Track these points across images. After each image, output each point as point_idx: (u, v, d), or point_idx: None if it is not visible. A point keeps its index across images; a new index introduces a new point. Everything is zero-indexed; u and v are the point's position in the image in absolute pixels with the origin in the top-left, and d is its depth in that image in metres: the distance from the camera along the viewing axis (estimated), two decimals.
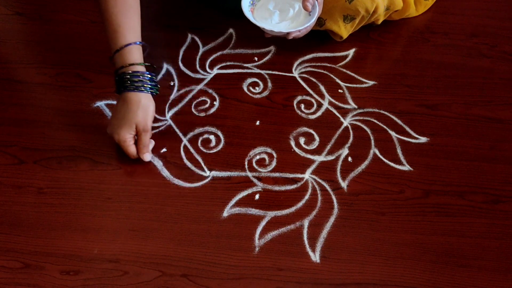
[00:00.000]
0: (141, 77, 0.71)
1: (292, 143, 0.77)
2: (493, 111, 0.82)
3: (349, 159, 0.76)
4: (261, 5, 0.83)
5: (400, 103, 0.83)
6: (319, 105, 0.82)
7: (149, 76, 0.72)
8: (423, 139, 0.78)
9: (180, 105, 0.82)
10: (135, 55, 0.72)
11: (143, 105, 0.71)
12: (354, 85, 0.85)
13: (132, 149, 0.72)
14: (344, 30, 0.88)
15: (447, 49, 0.92)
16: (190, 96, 0.83)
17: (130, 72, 0.71)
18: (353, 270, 0.65)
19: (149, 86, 0.72)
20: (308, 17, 0.81)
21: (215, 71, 0.86)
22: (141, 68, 0.72)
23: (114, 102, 0.81)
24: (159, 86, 0.75)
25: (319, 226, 0.69)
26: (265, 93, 0.84)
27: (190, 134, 0.78)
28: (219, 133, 0.78)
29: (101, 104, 0.81)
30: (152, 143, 0.75)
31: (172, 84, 0.84)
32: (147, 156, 0.73)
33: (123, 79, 0.71)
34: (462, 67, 0.89)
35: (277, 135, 0.78)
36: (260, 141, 0.77)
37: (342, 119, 0.81)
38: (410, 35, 0.94)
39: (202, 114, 0.81)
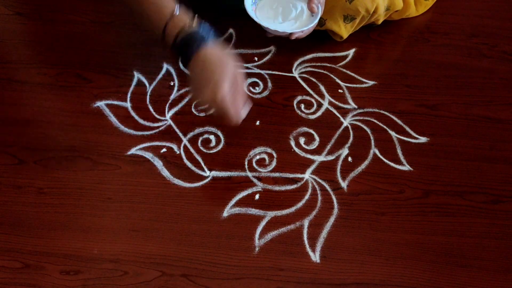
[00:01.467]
0: (202, 29, 0.67)
1: (292, 143, 0.78)
2: (493, 111, 0.82)
3: (349, 159, 0.76)
4: (263, 5, 0.83)
5: (400, 103, 0.83)
6: (319, 105, 0.82)
7: (207, 25, 0.68)
8: (423, 139, 0.78)
9: (180, 105, 0.82)
10: (185, 16, 0.67)
11: (224, 52, 0.66)
12: (354, 85, 0.85)
13: (235, 108, 0.66)
14: (344, 30, 0.88)
15: (447, 49, 0.92)
16: (190, 96, 0.83)
17: (192, 31, 0.66)
18: (353, 270, 0.65)
19: (215, 34, 0.67)
20: (310, 17, 0.81)
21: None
22: (196, 22, 0.67)
23: (114, 102, 0.81)
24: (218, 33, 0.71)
25: (319, 226, 0.69)
26: (265, 93, 0.84)
27: (190, 134, 0.78)
28: (219, 133, 0.78)
29: (101, 104, 0.81)
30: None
31: (172, 84, 0.84)
32: (245, 111, 0.68)
33: (189, 41, 0.65)
34: (462, 67, 0.89)
35: (277, 135, 0.78)
36: (260, 141, 0.78)
37: (342, 119, 0.81)
38: (410, 35, 0.94)
39: (202, 114, 0.81)
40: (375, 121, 0.80)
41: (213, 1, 0.95)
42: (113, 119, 0.79)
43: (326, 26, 0.87)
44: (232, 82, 0.65)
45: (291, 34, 0.79)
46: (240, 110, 0.67)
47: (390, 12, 0.90)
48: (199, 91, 0.66)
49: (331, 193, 0.72)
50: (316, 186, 0.73)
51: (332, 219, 0.69)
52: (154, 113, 0.80)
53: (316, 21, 0.80)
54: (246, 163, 0.75)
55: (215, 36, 0.67)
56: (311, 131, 0.79)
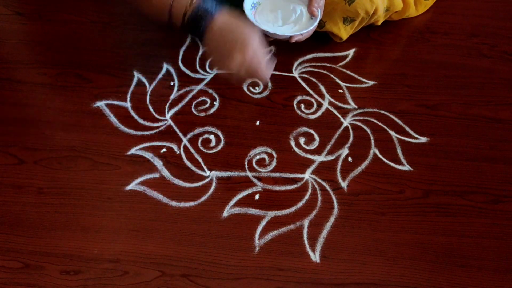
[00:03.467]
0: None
1: (292, 143, 0.78)
2: (493, 111, 0.82)
3: (349, 159, 0.76)
4: (263, 8, 0.83)
5: (400, 103, 0.83)
6: (319, 105, 0.82)
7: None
8: (423, 139, 0.78)
9: (180, 105, 0.82)
10: None
11: (237, 17, 0.66)
12: (354, 85, 0.85)
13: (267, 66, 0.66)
14: (344, 32, 0.88)
15: (447, 49, 0.92)
16: (190, 96, 0.83)
17: (199, 3, 0.66)
18: (353, 270, 0.65)
19: (218, 3, 0.67)
20: (310, 20, 0.81)
21: (215, 71, 0.86)
22: None
23: (114, 102, 0.81)
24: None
25: (319, 226, 0.69)
26: (265, 93, 0.84)
27: (190, 134, 0.78)
28: (219, 133, 0.78)
29: (101, 104, 0.81)
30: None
31: (172, 84, 0.84)
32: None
33: (201, 13, 0.65)
34: (462, 67, 0.89)
35: (277, 135, 0.78)
36: (260, 141, 0.78)
37: (342, 119, 0.81)
38: (410, 35, 0.94)
39: (202, 114, 0.81)
40: (375, 121, 0.80)
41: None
42: (113, 119, 0.79)
43: (326, 28, 0.87)
44: (253, 42, 0.65)
45: (290, 37, 0.79)
46: (266, 67, 0.67)
47: (389, 13, 0.90)
48: (225, 60, 0.66)
49: (331, 193, 0.72)
50: (316, 186, 0.73)
51: (332, 219, 0.69)
52: (154, 113, 0.80)
53: (316, 24, 0.80)
54: (246, 163, 0.75)
55: (219, 4, 0.67)
56: (311, 131, 0.79)
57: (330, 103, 0.83)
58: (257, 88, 0.85)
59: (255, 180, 0.73)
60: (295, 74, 0.87)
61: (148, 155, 0.75)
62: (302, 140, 0.78)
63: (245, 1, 0.81)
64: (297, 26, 0.81)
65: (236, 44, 0.64)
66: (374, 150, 0.77)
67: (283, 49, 0.89)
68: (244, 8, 0.80)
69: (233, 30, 0.65)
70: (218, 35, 0.66)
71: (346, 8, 0.84)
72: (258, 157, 0.76)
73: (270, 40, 0.82)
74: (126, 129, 0.78)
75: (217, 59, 0.68)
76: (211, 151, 0.76)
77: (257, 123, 0.80)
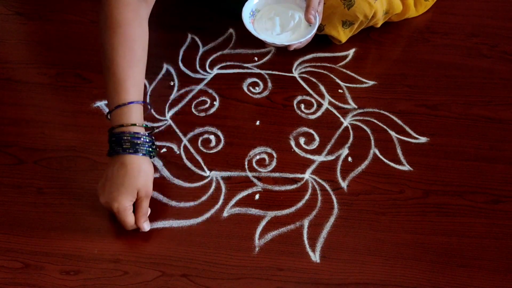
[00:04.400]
0: (142, 139, 0.65)
1: (292, 143, 0.78)
2: (493, 111, 0.82)
3: (349, 159, 0.76)
4: (261, 16, 0.83)
5: (400, 103, 0.83)
6: (319, 105, 0.82)
7: (149, 138, 0.66)
8: (423, 139, 0.78)
9: (180, 105, 0.82)
10: (137, 115, 0.66)
11: (145, 169, 0.65)
12: (354, 85, 0.85)
13: (131, 218, 0.65)
14: (343, 35, 0.88)
15: (447, 49, 0.92)
16: (190, 96, 0.83)
17: (131, 132, 0.64)
18: (353, 270, 0.65)
19: (150, 149, 0.66)
20: (308, 27, 0.81)
21: (215, 71, 0.86)
22: (141, 130, 0.66)
23: None
24: (158, 149, 0.71)
25: (319, 226, 0.69)
26: (265, 93, 0.84)
27: (190, 134, 0.78)
28: (219, 133, 0.78)
29: (101, 104, 0.81)
30: (148, 211, 0.67)
31: (172, 84, 0.84)
32: (147, 225, 0.66)
33: (121, 140, 0.64)
34: (462, 67, 0.89)
35: (277, 135, 0.78)
36: (260, 141, 0.78)
37: (342, 119, 0.81)
38: (410, 35, 0.94)
39: (202, 114, 0.81)
40: (375, 121, 0.80)
41: (214, 3, 0.96)
42: None
43: (325, 31, 0.87)
44: (134, 198, 0.65)
45: (289, 45, 0.80)
46: (141, 220, 0.65)
47: (389, 16, 0.90)
48: (103, 189, 0.65)
49: (331, 193, 0.72)
50: (316, 186, 0.73)
51: (332, 219, 0.69)
52: (154, 113, 0.80)
53: (314, 31, 0.80)
54: (246, 163, 0.75)
55: (153, 151, 0.66)
56: (311, 131, 0.79)
57: (330, 103, 0.83)
58: (257, 88, 0.85)
59: (255, 180, 0.73)
60: (295, 74, 0.87)
61: None
62: (302, 140, 0.78)
63: (244, 10, 0.81)
64: (295, 34, 0.81)
65: (117, 189, 0.63)
66: (374, 150, 0.77)
67: (283, 49, 0.89)
68: (242, 17, 0.80)
69: (133, 174, 0.64)
70: (120, 166, 0.64)
71: (345, 12, 0.84)
72: (258, 157, 0.76)
73: (269, 46, 0.82)
74: None
75: (101, 182, 0.66)
76: (211, 151, 0.76)
77: (257, 123, 0.80)
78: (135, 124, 0.65)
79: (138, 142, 0.65)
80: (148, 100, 0.82)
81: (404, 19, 0.95)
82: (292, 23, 0.82)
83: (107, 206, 0.65)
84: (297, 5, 0.83)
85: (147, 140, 0.66)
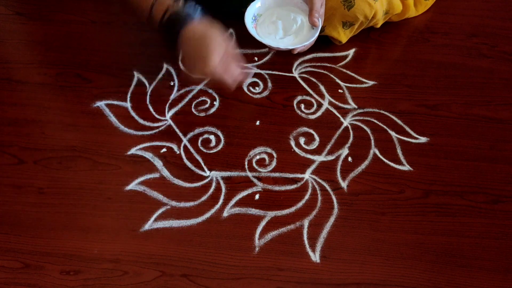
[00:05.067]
0: (193, 4, 0.68)
1: (292, 143, 0.78)
2: (493, 111, 0.82)
3: (349, 159, 0.76)
4: (263, 20, 0.84)
5: (400, 103, 0.83)
6: (319, 105, 0.82)
7: (193, 2, 0.69)
8: (423, 139, 0.78)
9: (180, 105, 0.82)
10: None
11: (213, 26, 0.68)
12: (354, 85, 0.85)
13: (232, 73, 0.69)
14: (343, 36, 0.88)
15: (447, 49, 0.92)
16: (190, 96, 0.83)
17: (181, 7, 0.67)
18: (353, 270, 0.65)
19: (201, 11, 0.69)
20: (311, 30, 0.81)
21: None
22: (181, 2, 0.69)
23: (114, 102, 0.81)
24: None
25: (319, 226, 0.69)
26: (265, 93, 0.84)
27: (190, 134, 0.78)
28: (219, 133, 0.78)
29: (101, 104, 0.81)
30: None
31: (172, 84, 0.84)
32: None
33: (179, 16, 0.67)
34: (462, 67, 0.89)
35: (277, 135, 0.78)
36: (260, 141, 0.78)
37: (342, 119, 0.81)
38: (410, 35, 0.94)
39: (202, 114, 0.81)
40: (375, 121, 0.80)
41: (213, 4, 0.95)
42: (113, 119, 0.79)
43: (325, 32, 0.87)
44: (221, 53, 0.67)
45: (293, 49, 0.80)
46: (235, 77, 0.68)
47: (389, 16, 0.90)
48: (191, 66, 0.68)
49: (331, 193, 0.72)
50: (316, 186, 0.73)
51: (332, 219, 0.69)
52: (154, 113, 0.80)
53: (317, 34, 0.80)
54: (246, 163, 0.75)
55: (202, 13, 0.68)
56: (311, 131, 0.79)
57: (330, 103, 0.83)
58: (257, 88, 0.85)
59: (255, 180, 0.73)
60: (295, 74, 0.87)
61: (148, 155, 0.75)
62: (302, 140, 0.78)
63: (246, 15, 0.81)
64: (298, 37, 0.81)
65: (201, 54, 0.66)
66: (374, 150, 0.77)
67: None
68: (245, 22, 0.80)
69: (202, 38, 0.67)
70: (188, 40, 0.67)
71: (345, 13, 0.84)
72: (258, 157, 0.76)
73: (273, 50, 0.82)
74: (126, 129, 0.78)
75: (187, 63, 0.70)
76: (211, 151, 0.76)
77: (257, 123, 0.80)
78: (173, 2, 0.68)
79: (189, 11, 0.67)
80: (148, 101, 0.82)
81: (404, 19, 0.95)
82: (295, 26, 0.82)
83: (203, 73, 0.68)
84: (298, 8, 0.83)
85: (193, 6, 0.68)
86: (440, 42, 0.93)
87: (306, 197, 0.71)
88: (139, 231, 0.68)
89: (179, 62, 0.86)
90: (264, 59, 0.88)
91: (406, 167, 0.75)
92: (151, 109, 0.81)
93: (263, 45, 0.90)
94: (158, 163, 0.74)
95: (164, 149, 0.76)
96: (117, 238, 0.67)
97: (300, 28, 0.82)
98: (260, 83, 0.85)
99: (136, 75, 0.85)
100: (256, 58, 0.89)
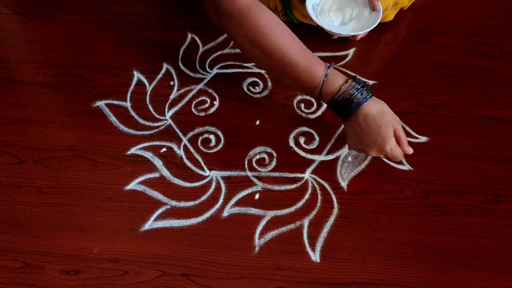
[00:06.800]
0: (359, 86, 0.66)
1: (292, 143, 0.77)
2: (494, 111, 0.82)
3: (349, 158, 0.76)
4: (321, 8, 0.87)
5: (400, 102, 0.83)
6: (319, 104, 0.82)
7: (362, 82, 0.67)
8: (423, 139, 0.78)
9: (180, 105, 0.82)
10: (337, 73, 0.68)
11: (381, 105, 0.67)
12: None
13: (400, 150, 0.68)
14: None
15: (447, 48, 0.92)
16: (190, 95, 0.83)
17: (354, 85, 0.66)
18: (353, 270, 0.65)
19: (368, 89, 0.67)
20: (371, 14, 0.86)
21: (215, 70, 0.86)
22: (350, 81, 0.67)
23: (114, 102, 0.81)
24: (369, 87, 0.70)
25: (319, 225, 0.69)
26: (265, 93, 0.84)
27: (190, 134, 0.78)
28: (219, 133, 0.78)
29: (101, 104, 0.81)
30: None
31: (172, 83, 0.84)
32: (411, 148, 0.69)
33: (352, 96, 0.65)
34: (462, 66, 0.89)
35: (277, 134, 0.78)
36: (260, 141, 0.77)
37: None
38: (410, 34, 0.94)
39: (202, 114, 0.81)
40: None
41: None
42: (113, 118, 0.79)
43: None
44: (392, 136, 0.67)
45: (355, 35, 0.85)
46: (404, 150, 0.69)
47: (399, 7, 0.90)
48: (364, 146, 0.68)
49: (331, 192, 0.72)
50: (316, 186, 0.73)
51: (332, 219, 0.69)
52: (154, 112, 0.80)
53: (379, 19, 0.84)
54: (246, 162, 0.75)
55: (368, 90, 0.67)
56: (311, 130, 0.79)
57: None
58: (257, 87, 0.85)
59: (255, 180, 0.73)
60: None
61: (148, 154, 0.75)
62: (302, 140, 0.78)
63: (307, 5, 0.85)
64: (361, 22, 0.86)
65: (378, 137, 0.66)
66: None
67: None
68: (307, 11, 0.84)
69: (378, 121, 0.66)
70: (363, 122, 0.66)
71: None
72: (258, 156, 0.76)
73: (334, 38, 0.88)
74: (126, 129, 0.78)
75: (355, 142, 0.70)
76: (211, 151, 0.76)
77: (257, 122, 0.80)
78: (348, 79, 0.67)
79: (360, 92, 0.66)
80: (148, 100, 0.82)
81: (404, 18, 0.95)
82: (355, 12, 0.86)
83: (379, 154, 0.69)
84: None
85: (361, 84, 0.67)
86: (441, 41, 0.93)
87: (306, 196, 0.71)
88: (139, 230, 0.68)
89: (179, 62, 0.86)
90: None
91: (406, 167, 0.75)
92: (151, 109, 0.81)
93: None
94: (158, 162, 0.74)
95: (164, 149, 0.76)
96: (117, 237, 0.67)
97: (360, 14, 0.86)
98: (260, 82, 0.85)
99: (136, 75, 0.85)
100: None
